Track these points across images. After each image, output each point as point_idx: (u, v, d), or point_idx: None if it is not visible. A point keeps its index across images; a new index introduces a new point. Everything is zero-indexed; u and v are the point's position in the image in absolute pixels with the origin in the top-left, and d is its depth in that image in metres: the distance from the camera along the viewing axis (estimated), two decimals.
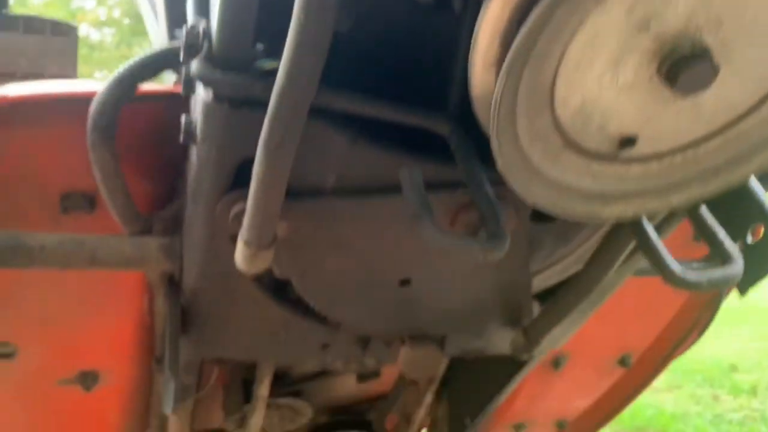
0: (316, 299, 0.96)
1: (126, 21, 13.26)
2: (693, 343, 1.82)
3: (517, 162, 0.59)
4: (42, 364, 1.25)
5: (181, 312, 1.02)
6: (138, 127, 0.97)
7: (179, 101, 0.88)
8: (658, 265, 0.75)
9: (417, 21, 0.74)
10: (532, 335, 1.09)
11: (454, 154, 0.76)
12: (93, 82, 1.04)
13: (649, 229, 0.77)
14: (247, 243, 0.74)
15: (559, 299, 1.03)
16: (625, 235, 0.87)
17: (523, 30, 0.49)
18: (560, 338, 1.33)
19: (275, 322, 1.06)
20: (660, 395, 7.32)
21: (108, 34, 14.08)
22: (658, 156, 0.65)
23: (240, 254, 0.76)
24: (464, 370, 1.82)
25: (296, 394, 1.60)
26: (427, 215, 0.66)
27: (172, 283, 1.01)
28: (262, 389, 1.34)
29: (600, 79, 0.55)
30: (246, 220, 0.73)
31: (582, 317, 1.27)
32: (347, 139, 0.76)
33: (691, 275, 0.76)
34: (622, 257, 0.91)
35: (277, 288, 1.04)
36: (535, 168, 0.61)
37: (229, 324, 1.05)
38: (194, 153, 0.81)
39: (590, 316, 1.27)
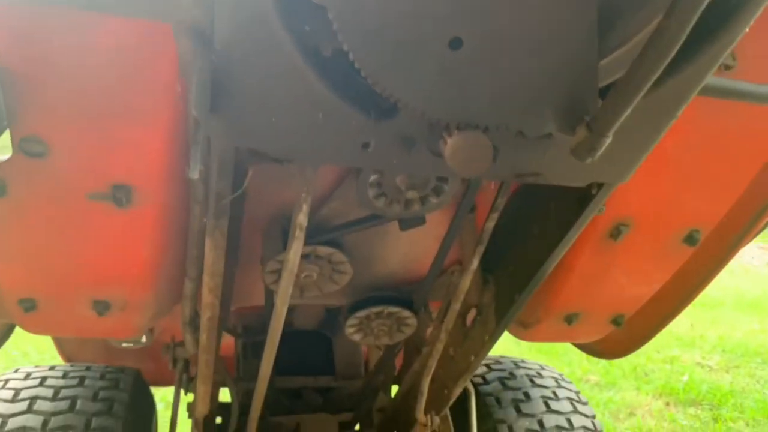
0: (357, 50, 0.86)
1: None
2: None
3: None
4: (73, 169, 1.20)
5: (212, 82, 0.94)
6: None
7: None
8: None
9: None
10: (596, 128, 0.97)
11: None
12: None
13: None
14: None
15: (631, 70, 0.90)
16: None
17: None
18: (628, 167, 1.20)
19: (313, 101, 0.97)
20: (717, 374, 7.02)
21: None
22: None
23: None
24: (513, 246, 1.71)
25: (337, 246, 1.52)
26: None
27: (204, 41, 0.93)
28: (301, 217, 1.26)
29: None
30: None
31: (652, 135, 1.14)
32: None
33: None
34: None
35: (318, 63, 0.95)
36: None
37: (262, 99, 0.96)
38: None
39: (660, 136, 1.14)
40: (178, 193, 1.32)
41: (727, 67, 1.31)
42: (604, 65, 1.02)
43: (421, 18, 0.86)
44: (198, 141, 0.98)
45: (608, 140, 0.96)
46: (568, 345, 5.58)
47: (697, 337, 8.63)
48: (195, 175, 1.02)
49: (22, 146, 1.15)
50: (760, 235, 1.84)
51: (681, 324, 9.43)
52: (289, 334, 2.55)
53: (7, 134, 1.14)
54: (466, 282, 1.64)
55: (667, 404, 5.86)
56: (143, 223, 1.32)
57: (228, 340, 2.58)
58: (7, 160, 1.17)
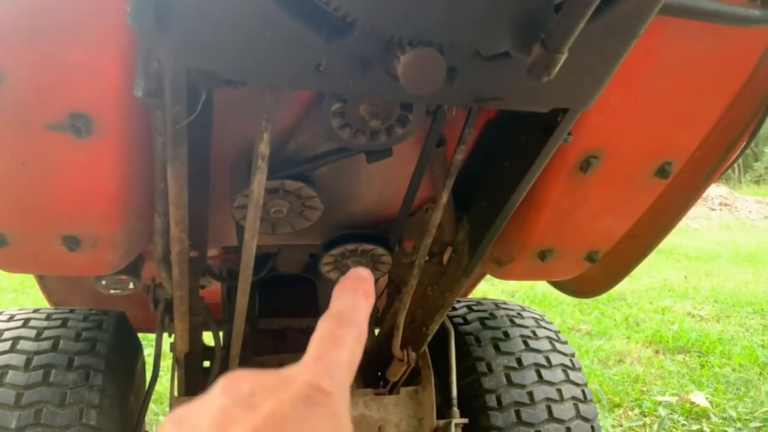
0: None
1: None
2: (741, 154, 1.64)
3: None
4: (28, 98, 1.19)
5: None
6: None
7: None
8: None
9: None
10: (550, 44, 0.95)
11: None
12: None
13: None
14: None
15: None
16: None
17: None
18: (590, 92, 1.18)
19: (261, 17, 0.95)
20: (707, 323, 7.12)
21: None
22: None
23: None
24: (485, 183, 1.70)
25: (306, 181, 1.51)
26: None
27: None
28: (263, 146, 1.24)
29: None
30: None
31: (613, 57, 1.12)
32: None
33: None
34: None
35: None
36: None
37: (211, 17, 0.94)
38: None
39: (621, 58, 1.12)
40: (139, 122, 1.30)
41: None
42: None
43: None
44: (141, 58, 0.97)
45: (563, 56, 0.94)
46: (560, 296, 5.61)
47: (690, 288, 8.72)
48: (139, 92, 1.00)
49: None
50: (758, 189, 1.82)
51: (675, 276, 9.52)
52: (273, 279, 2.58)
53: None
54: (437, 217, 1.64)
55: (657, 352, 5.96)
56: (105, 153, 1.31)
57: (217, 286, 2.61)
58: None
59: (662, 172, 1.61)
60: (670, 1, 1.13)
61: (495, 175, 1.64)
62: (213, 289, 2.50)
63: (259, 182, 1.33)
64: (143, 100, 1.06)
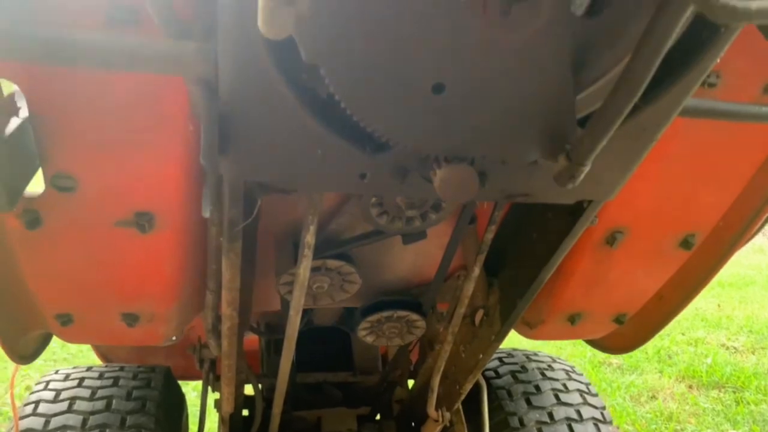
0: (345, 95, 0.94)
1: None
2: (765, 222, 1.70)
3: None
4: (99, 201, 1.32)
5: (220, 126, 1.04)
6: None
7: None
8: None
9: None
10: (575, 157, 1.04)
11: None
12: None
13: None
14: None
15: (605, 106, 0.97)
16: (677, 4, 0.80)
17: None
18: (613, 185, 1.27)
19: (312, 139, 1.06)
20: (741, 355, 7.00)
21: None
22: None
23: (261, 13, 0.75)
24: (515, 251, 1.79)
25: (345, 259, 1.62)
26: None
27: (210, 91, 1.03)
28: (309, 237, 1.36)
29: None
30: None
31: (635, 156, 1.20)
32: None
33: (739, 3, 0.67)
34: (674, 30, 0.83)
35: (314, 105, 1.04)
36: None
37: (266, 140, 1.06)
38: None
39: (643, 156, 1.21)
40: (195, 216, 1.43)
41: (710, 85, 1.36)
42: (582, 98, 1.09)
43: (404, 68, 0.94)
44: (209, 183, 1.08)
45: (587, 168, 1.04)
46: None
47: (724, 317, 8.56)
48: (207, 214, 1.12)
49: (53, 182, 1.27)
50: None
51: (708, 304, 9.35)
52: (308, 331, 2.68)
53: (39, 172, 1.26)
54: (470, 288, 1.73)
55: (690, 387, 5.89)
56: (165, 245, 1.43)
57: (254, 336, 2.72)
58: (41, 195, 1.29)
59: (686, 243, 1.68)
60: (690, 104, 1.21)
61: (524, 245, 1.72)
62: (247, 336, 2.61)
63: (305, 268, 1.44)
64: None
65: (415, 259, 1.86)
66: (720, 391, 5.78)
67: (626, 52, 1.03)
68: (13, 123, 1.10)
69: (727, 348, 7.19)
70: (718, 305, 9.38)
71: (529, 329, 2.01)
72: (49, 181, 1.27)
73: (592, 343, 2.33)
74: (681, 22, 0.82)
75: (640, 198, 1.55)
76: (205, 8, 1.04)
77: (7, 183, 1.06)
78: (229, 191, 1.19)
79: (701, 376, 6.04)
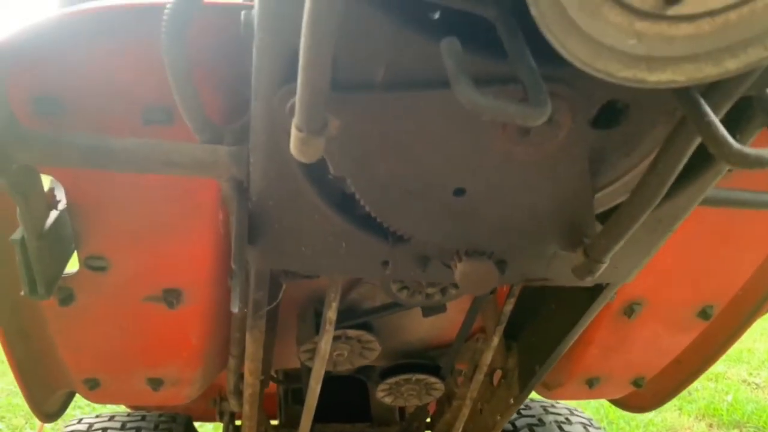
0: (371, 202, 0.98)
1: None
2: None
3: (551, 10, 0.58)
4: (129, 280, 1.36)
5: (249, 221, 1.08)
6: (210, 40, 1.03)
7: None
8: (711, 139, 0.71)
9: None
10: (593, 254, 1.07)
11: (501, 40, 0.76)
12: None
13: (703, 102, 0.73)
14: (298, 127, 0.77)
15: (621, 212, 1.00)
16: (689, 131, 0.84)
17: None
18: (630, 269, 1.29)
19: (337, 233, 1.10)
20: (763, 392, 6.86)
21: None
22: (711, 13, 0.61)
23: (293, 141, 0.79)
24: (533, 319, 1.81)
25: (365, 328, 1.65)
26: (463, 76, 0.66)
27: (241, 190, 1.07)
28: (331, 313, 1.39)
29: None
30: (296, 104, 0.75)
31: (652, 245, 1.22)
32: (395, 25, 0.78)
33: (752, 151, 0.70)
34: (687, 154, 0.86)
35: (339, 202, 1.08)
36: (573, 21, 0.60)
37: (293, 233, 1.10)
38: (254, 47, 0.86)
39: (661, 244, 1.23)
40: (221, 289, 1.47)
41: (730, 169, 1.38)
42: (599, 196, 1.12)
43: (426, 176, 0.98)
44: (238, 281, 1.12)
45: (605, 265, 1.06)
46: None
47: (745, 350, 8.39)
48: (235, 309, 1.16)
49: (87, 263, 1.32)
50: None
51: None
52: (326, 380, 2.69)
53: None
54: (489, 356, 1.75)
55: (710, 426, 5.78)
56: (192, 318, 1.47)
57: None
58: (75, 274, 1.34)
59: (704, 314, 1.69)
60: (709, 194, 1.23)
61: (542, 314, 1.74)
62: None
63: (326, 342, 1.47)
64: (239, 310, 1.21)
65: (433, 322, 1.88)
66: (741, 430, 5.68)
67: (642, 158, 1.06)
68: (53, 216, 1.15)
69: (749, 384, 7.05)
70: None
71: (547, 390, 2.02)
72: (83, 261, 1.32)
73: (612, 400, 2.32)
74: (693, 148, 0.86)
75: (658, 271, 1.56)
76: (235, 114, 1.09)
77: (46, 274, 1.11)
78: (256, 278, 1.23)
79: (722, 415, 5.93)
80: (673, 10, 0.60)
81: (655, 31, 0.62)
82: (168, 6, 0.90)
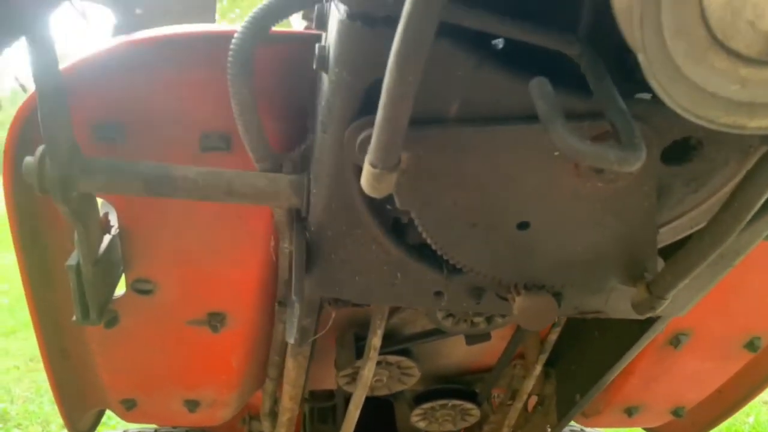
0: (433, 235, 0.96)
1: None
2: None
3: (659, 57, 0.57)
4: (175, 303, 1.35)
5: (307, 250, 1.07)
6: (272, 69, 1.03)
7: (310, 44, 0.93)
8: None
9: None
10: (655, 291, 1.04)
11: (585, 76, 0.74)
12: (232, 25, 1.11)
13: None
14: (372, 164, 0.75)
15: (689, 249, 0.97)
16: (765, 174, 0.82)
17: None
18: (686, 303, 1.26)
19: (392, 263, 1.09)
20: None
21: None
22: None
23: (365, 177, 0.78)
24: (574, 346, 1.78)
25: (406, 354, 1.63)
26: (559, 118, 0.65)
27: (299, 219, 1.06)
28: (375, 340, 1.38)
29: None
30: (373, 141, 0.74)
31: (711, 279, 1.20)
32: (473, 61, 0.76)
33: None
34: (762, 200, 0.85)
35: (396, 231, 1.07)
36: (678, 67, 0.58)
37: (349, 263, 1.08)
38: (325, 80, 0.85)
39: (719, 279, 1.20)
40: (264, 315, 1.45)
41: None
42: (663, 231, 1.10)
43: (493, 209, 0.96)
44: (295, 311, 1.11)
45: (667, 302, 1.03)
46: None
47: None
48: (291, 340, 1.14)
49: (133, 286, 1.31)
50: None
51: None
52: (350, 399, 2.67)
53: None
54: (530, 384, 1.72)
55: None
56: (233, 341, 1.46)
57: None
58: (121, 297, 1.33)
59: (751, 345, 1.65)
60: None
61: (583, 341, 1.71)
62: None
63: (370, 369, 1.45)
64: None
65: (471, 347, 1.85)
66: None
67: (710, 194, 1.03)
68: (106, 240, 1.14)
69: None
70: None
71: (585, 418, 1.98)
72: (131, 285, 1.31)
73: (648, 428, 2.27)
74: None
75: (707, 301, 1.52)
76: (291, 142, 1.09)
77: (98, 300, 1.10)
78: (306, 303, 1.22)
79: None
80: None
81: (760, 77, 0.60)
82: (236, 36, 0.90)
